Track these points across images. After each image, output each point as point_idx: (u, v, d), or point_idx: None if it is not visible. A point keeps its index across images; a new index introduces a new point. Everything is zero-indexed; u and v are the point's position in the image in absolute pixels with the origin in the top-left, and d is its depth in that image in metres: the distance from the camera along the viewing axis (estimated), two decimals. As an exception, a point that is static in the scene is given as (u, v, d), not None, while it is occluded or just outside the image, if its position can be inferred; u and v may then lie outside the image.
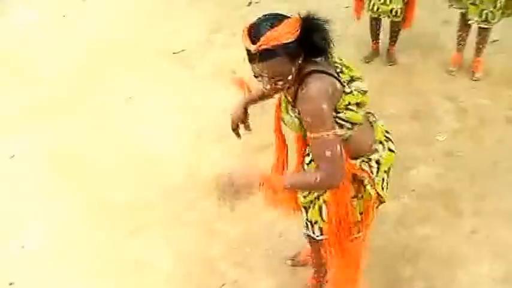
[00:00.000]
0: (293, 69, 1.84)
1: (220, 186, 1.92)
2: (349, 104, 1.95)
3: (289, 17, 1.81)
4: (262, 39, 1.74)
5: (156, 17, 5.87)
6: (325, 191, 2.23)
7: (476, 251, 3.08)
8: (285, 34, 1.75)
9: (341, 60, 2.05)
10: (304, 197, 2.36)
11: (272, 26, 1.76)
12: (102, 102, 4.60)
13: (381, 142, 2.20)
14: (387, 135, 2.26)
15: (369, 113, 2.26)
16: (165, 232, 3.36)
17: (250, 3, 5.94)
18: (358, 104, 1.99)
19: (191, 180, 3.69)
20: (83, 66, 5.11)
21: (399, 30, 4.66)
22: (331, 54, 1.91)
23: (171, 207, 3.50)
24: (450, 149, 3.83)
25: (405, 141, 3.69)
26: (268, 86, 1.88)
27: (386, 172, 2.25)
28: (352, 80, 2.00)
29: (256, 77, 1.88)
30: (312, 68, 1.88)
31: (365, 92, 2.02)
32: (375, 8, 4.41)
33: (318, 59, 1.92)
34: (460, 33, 4.53)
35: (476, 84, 4.48)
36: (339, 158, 1.87)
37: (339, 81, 1.93)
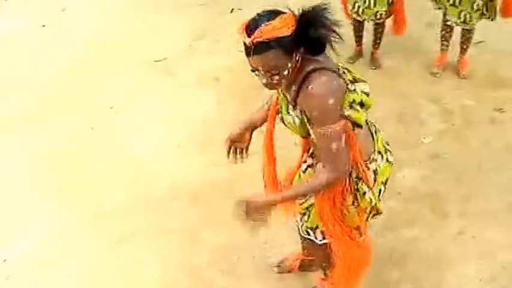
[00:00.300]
0: (289, 64, 1.86)
1: (243, 214, 2.05)
2: (354, 101, 1.96)
3: (285, 13, 1.84)
4: (256, 32, 1.78)
5: (137, 25, 5.83)
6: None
7: (463, 252, 3.08)
8: (280, 28, 1.78)
9: (342, 64, 2.07)
10: (301, 203, 2.36)
11: (268, 20, 1.79)
12: (84, 112, 4.54)
13: (379, 152, 2.20)
14: (387, 147, 2.28)
15: (372, 123, 2.29)
16: (151, 241, 3.32)
17: (232, 10, 5.93)
18: (361, 104, 1.99)
19: (175, 189, 3.66)
20: (63, 76, 5.05)
21: (383, 32, 4.68)
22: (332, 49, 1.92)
23: (156, 216, 3.47)
24: (436, 151, 3.83)
25: (390, 144, 3.67)
26: (264, 80, 1.91)
27: (384, 184, 2.26)
28: (355, 80, 2.02)
29: (253, 71, 1.91)
30: (313, 66, 1.90)
31: (367, 93, 2.03)
32: (360, 11, 4.41)
33: (320, 57, 1.93)
34: (443, 33, 4.55)
35: (461, 86, 4.49)
36: (343, 151, 1.93)
37: (342, 78, 1.95)
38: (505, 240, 3.13)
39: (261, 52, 1.81)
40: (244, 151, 2.46)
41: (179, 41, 5.46)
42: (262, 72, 1.88)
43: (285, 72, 1.87)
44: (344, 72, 2.01)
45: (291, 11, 1.84)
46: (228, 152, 2.47)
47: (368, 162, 2.15)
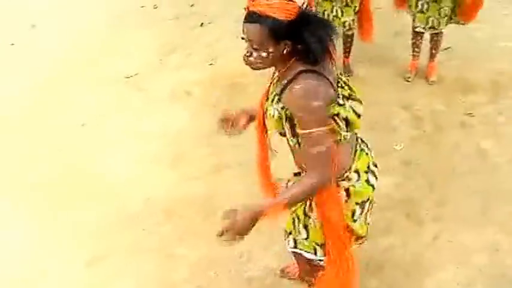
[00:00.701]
0: (271, 49, 1.88)
1: (227, 227, 1.87)
2: (338, 115, 1.91)
3: (293, 3, 1.88)
4: (255, 1, 1.85)
5: (107, 40, 5.80)
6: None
7: (440, 257, 3.08)
8: (277, 8, 1.82)
9: (347, 79, 2.05)
10: None
11: None
12: (56, 128, 4.49)
13: (357, 172, 2.14)
14: (372, 167, 2.22)
15: (363, 141, 2.25)
16: (126, 260, 3.26)
17: (202, 24, 5.92)
18: (346, 121, 1.93)
19: (150, 205, 3.61)
20: (33, 94, 5.00)
21: (352, 41, 4.71)
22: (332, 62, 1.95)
23: (130, 234, 3.41)
24: (408, 157, 3.84)
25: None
26: (245, 52, 1.94)
27: (360, 205, 2.18)
28: (350, 97, 1.97)
29: (243, 38, 1.94)
30: (304, 68, 1.88)
31: (358, 115, 1.98)
32: (330, 19, 4.41)
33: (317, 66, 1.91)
34: (413, 40, 4.62)
35: (431, 91, 4.54)
36: (326, 156, 1.89)
37: (333, 89, 1.91)
38: (480, 244, 3.15)
39: (250, 21, 1.86)
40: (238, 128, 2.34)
41: (150, 56, 5.45)
42: (248, 43, 1.91)
43: (264, 54, 1.89)
44: (342, 87, 1.97)
45: (300, 6, 1.87)
46: (222, 125, 2.35)
47: (340, 179, 2.09)
